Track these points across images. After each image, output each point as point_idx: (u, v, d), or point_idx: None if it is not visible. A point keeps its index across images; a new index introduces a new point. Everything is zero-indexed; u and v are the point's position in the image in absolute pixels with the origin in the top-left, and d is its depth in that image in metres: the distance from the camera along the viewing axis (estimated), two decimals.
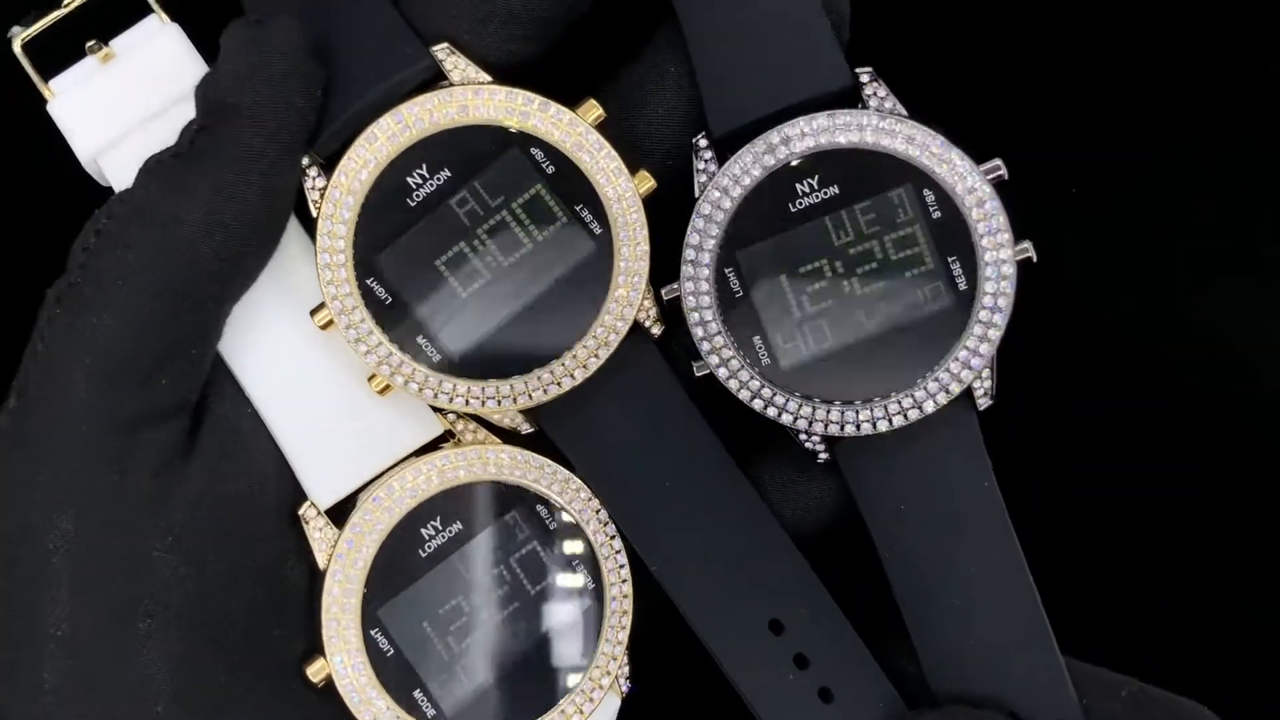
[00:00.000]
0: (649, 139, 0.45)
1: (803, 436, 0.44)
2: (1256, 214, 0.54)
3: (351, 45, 0.43)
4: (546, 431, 0.45)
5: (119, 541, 0.41)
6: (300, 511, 0.44)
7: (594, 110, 0.44)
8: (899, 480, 0.44)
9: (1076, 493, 0.53)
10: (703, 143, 0.44)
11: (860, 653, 0.45)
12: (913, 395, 0.43)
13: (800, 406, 0.43)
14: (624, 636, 0.45)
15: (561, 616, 0.45)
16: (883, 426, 0.43)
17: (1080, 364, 0.54)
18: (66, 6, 0.43)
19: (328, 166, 0.43)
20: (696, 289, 0.43)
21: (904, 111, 0.43)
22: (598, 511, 0.45)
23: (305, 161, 0.43)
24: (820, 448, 0.44)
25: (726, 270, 0.43)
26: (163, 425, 0.42)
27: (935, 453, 0.44)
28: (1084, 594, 0.52)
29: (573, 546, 0.45)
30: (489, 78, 0.44)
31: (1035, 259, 0.43)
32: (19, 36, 0.43)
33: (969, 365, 0.43)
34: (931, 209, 0.42)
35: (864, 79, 0.43)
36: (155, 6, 0.44)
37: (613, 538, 0.45)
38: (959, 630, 0.45)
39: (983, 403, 0.44)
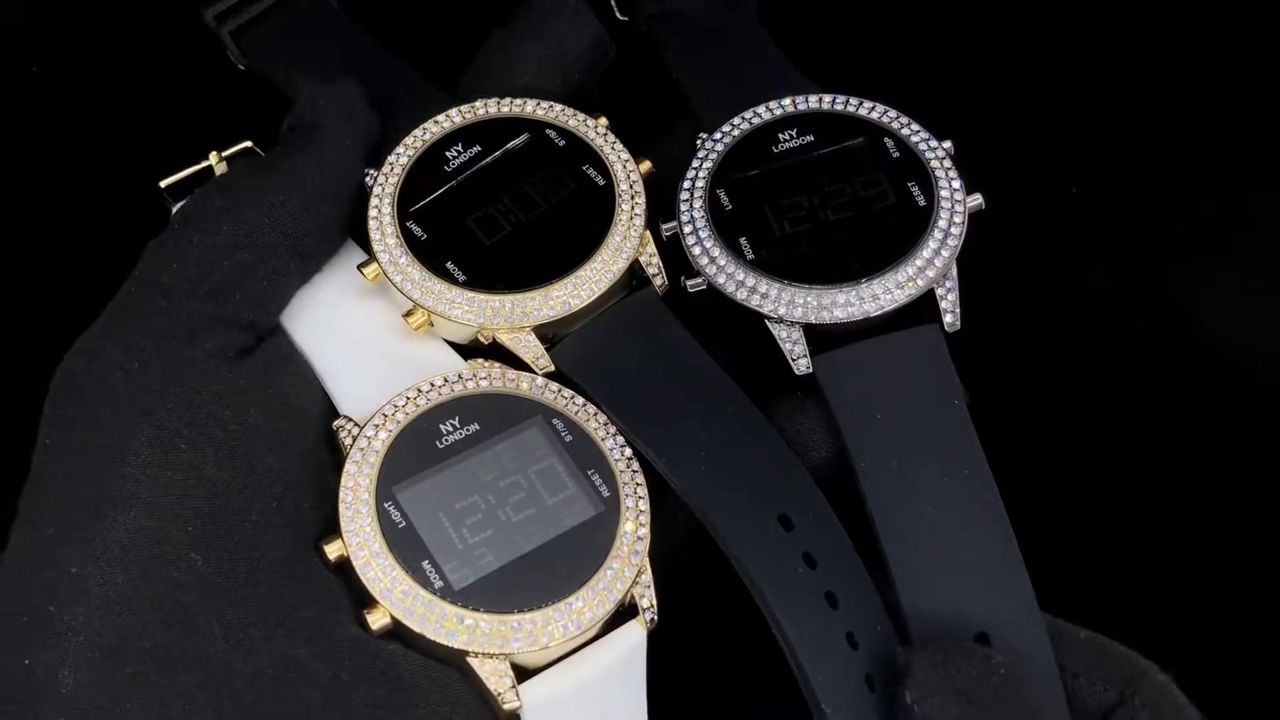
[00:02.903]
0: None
1: (783, 337, 0.48)
2: (1255, 213, 0.56)
3: (401, 109, 0.53)
4: (558, 363, 0.48)
5: (173, 379, 0.45)
6: (335, 423, 0.47)
7: (603, 120, 0.53)
8: (873, 391, 0.47)
9: (1075, 489, 0.53)
10: (702, 135, 0.52)
11: (860, 567, 0.45)
12: (884, 282, 0.47)
13: (780, 293, 0.47)
14: (642, 548, 0.45)
15: (577, 525, 0.45)
16: (855, 313, 0.47)
17: (1079, 363, 0.55)
18: (202, 164, 0.53)
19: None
20: (691, 205, 0.50)
21: None
22: (614, 433, 0.47)
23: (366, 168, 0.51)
24: (801, 353, 0.47)
25: (718, 190, 0.50)
26: (229, 329, 0.47)
27: (907, 365, 0.47)
28: (1080, 594, 0.49)
29: (588, 458, 0.46)
30: None
31: (984, 207, 0.49)
32: (164, 182, 0.53)
33: (933, 263, 0.48)
34: (891, 151, 0.50)
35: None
36: (259, 152, 0.54)
37: (630, 459, 0.47)
38: (929, 545, 0.45)
39: (949, 321, 0.48)
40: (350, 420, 0.46)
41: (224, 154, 0.53)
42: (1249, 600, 0.52)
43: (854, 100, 0.52)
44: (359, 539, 0.44)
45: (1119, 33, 0.58)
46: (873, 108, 0.51)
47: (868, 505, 0.45)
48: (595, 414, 0.47)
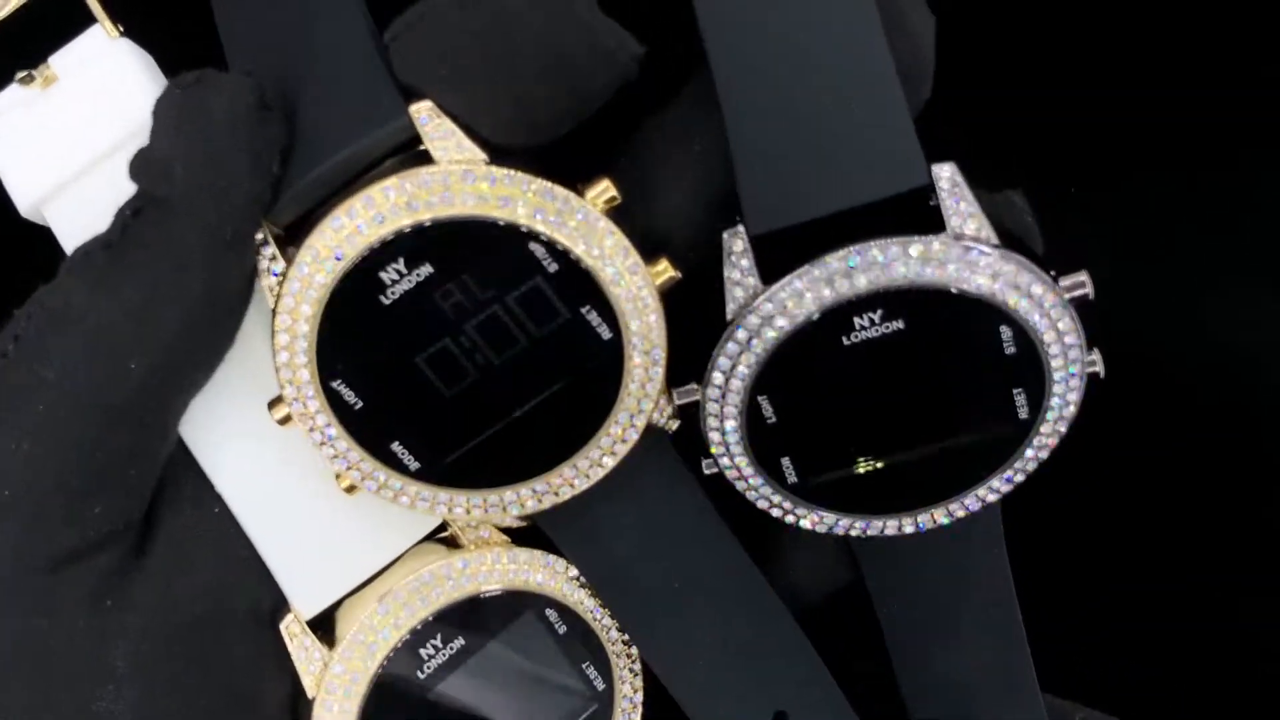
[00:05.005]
0: (666, 232, 0.36)
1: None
2: (1257, 213, 0.52)
3: (323, 86, 0.35)
4: (545, 531, 0.40)
5: (57, 695, 0.36)
6: (282, 626, 0.39)
7: (607, 191, 0.35)
8: (908, 557, 0.41)
9: (1079, 492, 0.51)
10: (738, 245, 0.35)
11: None
12: (946, 508, 0.39)
13: (823, 518, 0.39)
14: None
15: None
16: (909, 529, 0.39)
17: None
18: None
19: (286, 238, 0.35)
20: (722, 412, 0.37)
21: (993, 237, 0.35)
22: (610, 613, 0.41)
23: (260, 236, 0.35)
24: None
25: (760, 398, 0.37)
26: (97, 555, 0.36)
27: (952, 539, 0.41)
28: (1082, 595, 0.53)
29: (583, 649, 0.41)
30: (477, 152, 0.35)
31: (1103, 373, 0.38)
32: None
33: (1010, 481, 0.39)
34: (1006, 346, 0.36)
35: (943, 183, 0.35)
36: (101, 15, 0.35)
37: (627, 642, 0.42)
38: (939, 663, 0.43)
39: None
40: (302, 629, 0.39)
41: None
42: (1257, 614, 0.53)
43: (971, 255, 0.35)
44: None
45: (1119, 32, 0.52)
46: (995, 272, 0.35)
47: (882, 625, 0.43)
48: (590, 590, 0.41)
